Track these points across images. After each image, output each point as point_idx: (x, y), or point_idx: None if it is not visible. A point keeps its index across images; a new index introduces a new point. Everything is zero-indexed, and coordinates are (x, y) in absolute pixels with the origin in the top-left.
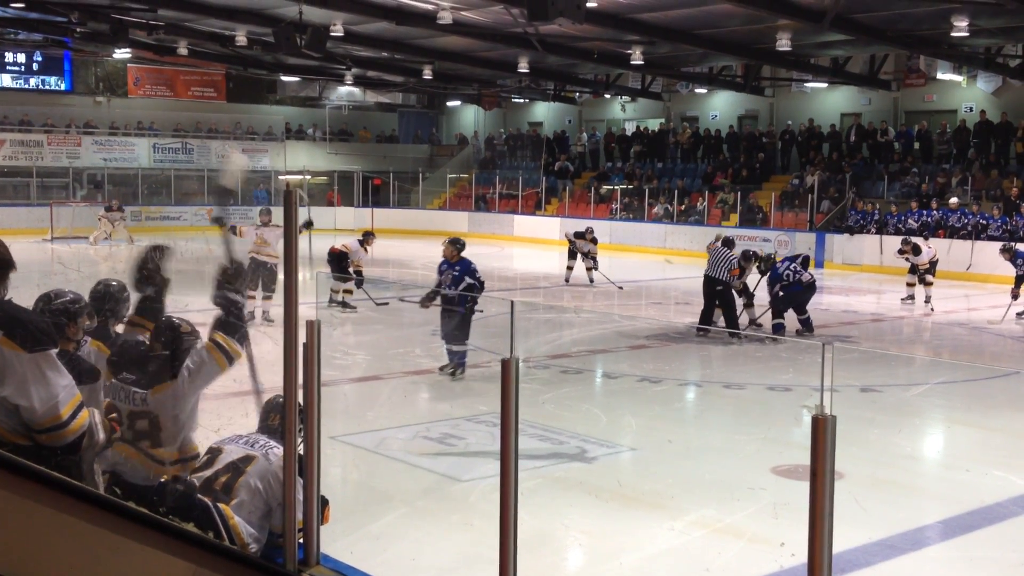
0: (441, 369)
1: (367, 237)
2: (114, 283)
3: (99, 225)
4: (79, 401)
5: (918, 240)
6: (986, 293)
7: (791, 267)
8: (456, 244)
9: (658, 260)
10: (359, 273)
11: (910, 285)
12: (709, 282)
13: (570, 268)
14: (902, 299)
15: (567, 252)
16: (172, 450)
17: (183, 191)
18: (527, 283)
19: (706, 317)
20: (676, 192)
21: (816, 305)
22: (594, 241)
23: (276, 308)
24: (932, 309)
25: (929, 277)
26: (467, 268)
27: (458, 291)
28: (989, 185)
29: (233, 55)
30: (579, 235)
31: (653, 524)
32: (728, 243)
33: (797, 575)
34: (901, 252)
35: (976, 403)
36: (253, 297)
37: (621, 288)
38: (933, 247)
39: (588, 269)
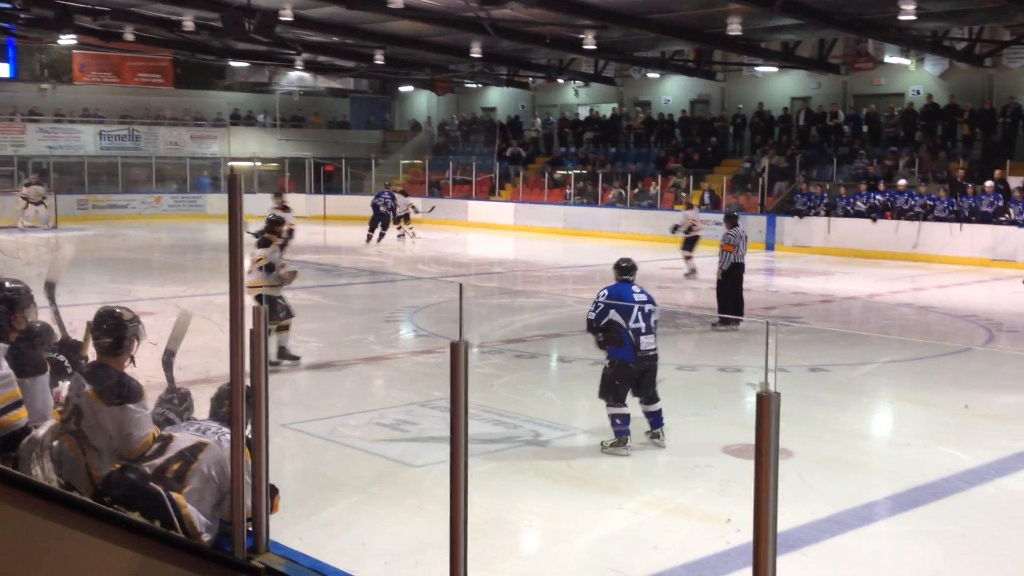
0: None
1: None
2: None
3: (22, 208)
4: (13, 398)
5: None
6: (932, 273)
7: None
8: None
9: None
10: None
11: (688, 259)
12: (740, 269)
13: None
14: (685, 274)
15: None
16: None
17: (131, 179)
18: (481, 268)
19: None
20: (629, 177)
21: (767, 287)
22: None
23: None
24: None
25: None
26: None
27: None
28: (936, 167)
29: (180, 40)
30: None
31: (606, 505)
32: (733, 219)
33: (744, 552)
34: (675, 228)
35: (923, 380)
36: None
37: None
38: (693, 215)
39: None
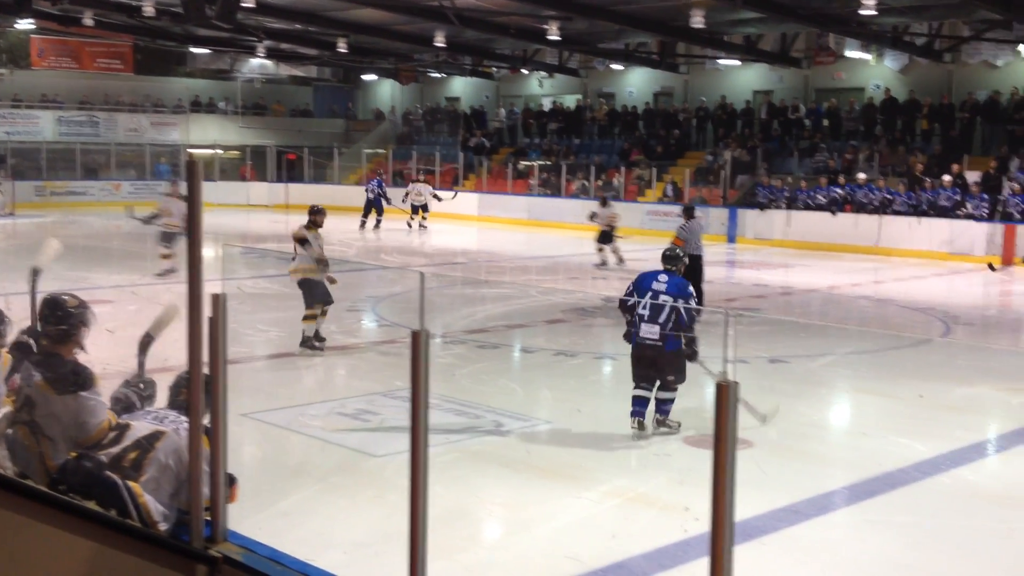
0: (641, 426)
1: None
2: None
3: None
4: None
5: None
6: (891, 266)
7: None
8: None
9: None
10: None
11: (600, 251)
12: (697, 262)
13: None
14: (595, 265)
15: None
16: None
17: (89, 165)
18: (444, 258)
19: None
20: (593, 168)
21: (728, 279)
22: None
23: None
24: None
25: (616, 244)
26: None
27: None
28: (895, 161)
29: (141, 26)
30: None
31: (568, 495)
32: (690, 212)
33: (703, 541)
34: (593, 216)
35: (881, 372)
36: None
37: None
38: (614, 209)
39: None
